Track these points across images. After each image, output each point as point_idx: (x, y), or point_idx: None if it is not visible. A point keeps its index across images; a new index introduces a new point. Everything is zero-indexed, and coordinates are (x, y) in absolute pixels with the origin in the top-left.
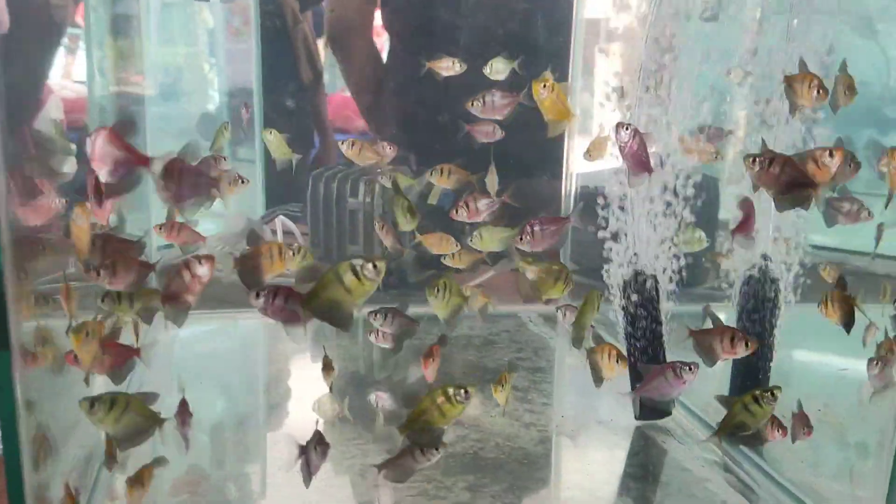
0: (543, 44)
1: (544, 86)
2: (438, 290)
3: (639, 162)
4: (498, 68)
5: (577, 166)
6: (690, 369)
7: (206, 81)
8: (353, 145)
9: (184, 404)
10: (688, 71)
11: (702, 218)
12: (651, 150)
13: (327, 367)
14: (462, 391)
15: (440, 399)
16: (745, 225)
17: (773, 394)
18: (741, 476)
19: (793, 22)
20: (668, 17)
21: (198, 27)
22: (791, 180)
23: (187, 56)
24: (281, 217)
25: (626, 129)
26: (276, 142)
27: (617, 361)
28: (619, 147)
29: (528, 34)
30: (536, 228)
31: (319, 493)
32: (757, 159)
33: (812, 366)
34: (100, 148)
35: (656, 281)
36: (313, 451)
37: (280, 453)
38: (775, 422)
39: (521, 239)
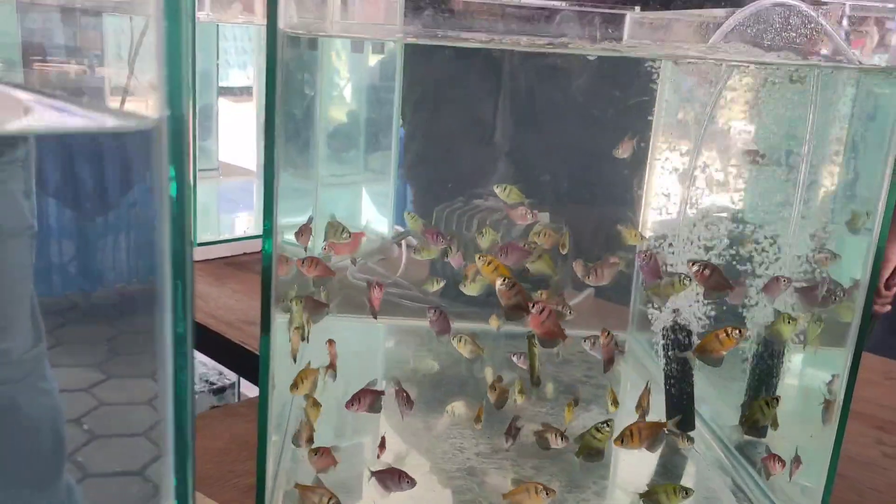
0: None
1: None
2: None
3: (653, 274)
4: (513, 196)
5: (652, 215)
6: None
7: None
8: (504, 188)
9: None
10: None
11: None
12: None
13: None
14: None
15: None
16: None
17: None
18: (735, 478)
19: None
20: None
21: None
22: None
23: None
24: (409, 237)
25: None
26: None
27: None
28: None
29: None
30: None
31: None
32: None
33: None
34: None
35: (689, 333)
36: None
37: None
38: (776, 458)
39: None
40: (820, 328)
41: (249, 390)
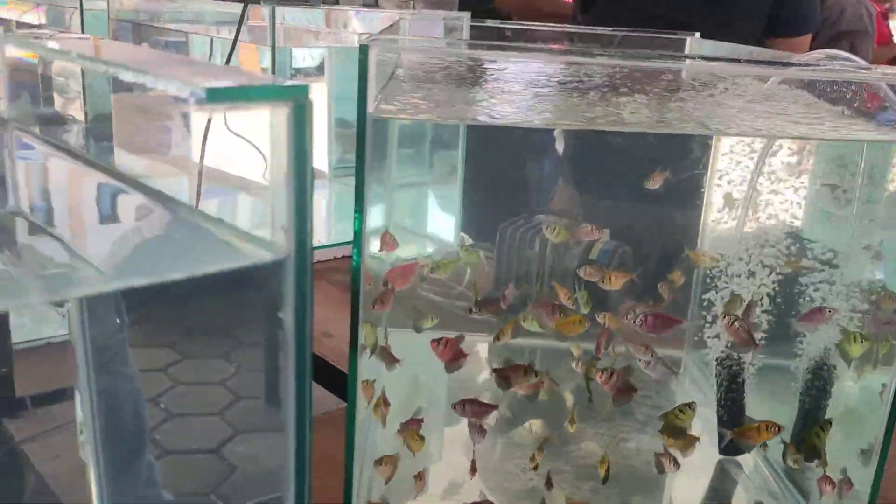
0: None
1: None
2: None
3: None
4: (561, 236)
5: (710, 232)
6: None
7: None
8: (555, 230)
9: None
10: None
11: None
12: None
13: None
14: None
15: None
16: None
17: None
18: (782, 501)
19: None
20: None
21: None
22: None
23: None
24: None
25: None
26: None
27: None
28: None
29: None
30: None
31: None
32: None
33: None
34: None
35: (742, 365)
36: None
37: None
38: (827, 480)
39: None
40: (888, 346)
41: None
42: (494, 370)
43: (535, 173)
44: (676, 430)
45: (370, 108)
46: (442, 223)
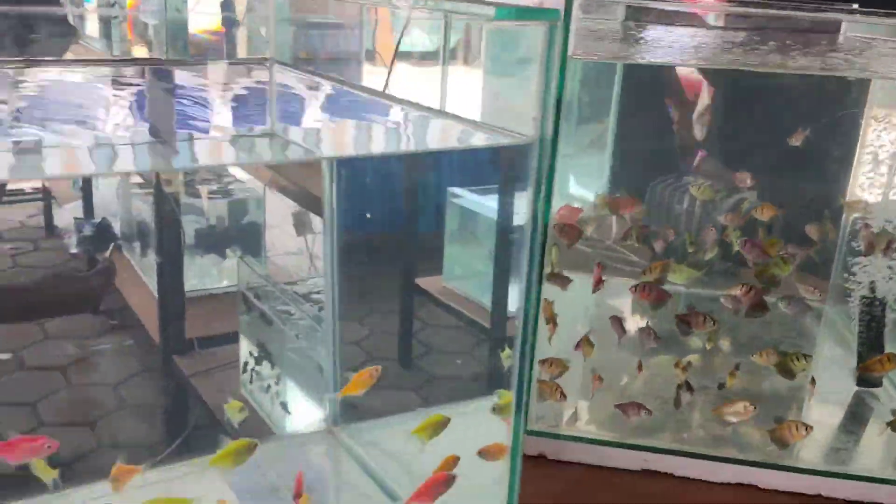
0: None
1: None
2: None
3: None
4: (706, 193)
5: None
6: None
7: None
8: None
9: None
10: None
11: None
12: None
13: None
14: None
15: None
16: None
17: None
18: None
19: None
20: None
21: None
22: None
23: None
24: None
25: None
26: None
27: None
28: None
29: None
30: None
31: None
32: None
33: None
34: None
35: (883, 306)
36: None
37: None
38: None
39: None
40: None
41: None
42: (677, 315)
43: (683, 139)
44: (787, 371)
45: (570, 51)
46: (593, 187)
